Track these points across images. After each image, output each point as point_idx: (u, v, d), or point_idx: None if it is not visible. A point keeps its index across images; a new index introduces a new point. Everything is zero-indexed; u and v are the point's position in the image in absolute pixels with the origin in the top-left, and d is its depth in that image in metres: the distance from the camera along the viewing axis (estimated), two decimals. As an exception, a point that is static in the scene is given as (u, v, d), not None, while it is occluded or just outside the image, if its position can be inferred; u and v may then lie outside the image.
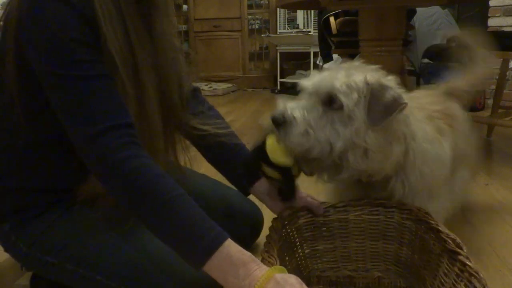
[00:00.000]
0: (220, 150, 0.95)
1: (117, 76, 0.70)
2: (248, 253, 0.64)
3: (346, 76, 0.75)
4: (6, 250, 0.86)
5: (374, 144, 0.73)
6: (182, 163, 0.95)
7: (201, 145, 0.96)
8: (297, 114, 0.73)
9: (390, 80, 0.78)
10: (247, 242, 1.09)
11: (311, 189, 1.53)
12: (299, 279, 0.61)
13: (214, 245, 0.63)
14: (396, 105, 0.72)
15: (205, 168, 1.04)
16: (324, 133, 0.73)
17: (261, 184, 0.91)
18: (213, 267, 0.63)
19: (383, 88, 0.74)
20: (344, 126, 0.73)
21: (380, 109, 0.72)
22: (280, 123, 0.73)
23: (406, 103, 0.73)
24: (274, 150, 0.76)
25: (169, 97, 0.85)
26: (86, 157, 0.69)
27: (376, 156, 0.75)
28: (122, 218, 0.78)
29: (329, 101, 0.74)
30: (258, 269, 0.61)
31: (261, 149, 0.78)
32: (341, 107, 0.73)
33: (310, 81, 0.78)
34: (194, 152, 0.98)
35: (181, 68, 0.89)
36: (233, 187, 1.02)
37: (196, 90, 1.01)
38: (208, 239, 0.63)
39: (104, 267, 0.77)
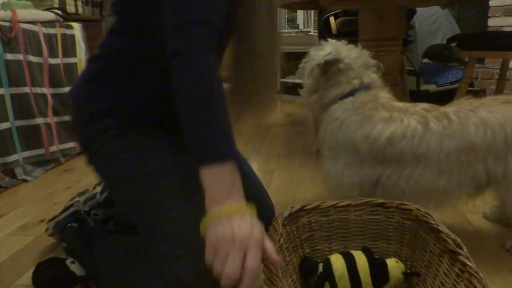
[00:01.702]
0: None
1: None
2: (240, 185, 0.64)
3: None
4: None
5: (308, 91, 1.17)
6: None
7: None
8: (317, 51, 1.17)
9: (366, 73, 1.11)
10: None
11: (311, 190, 1.53)
12: (258, 231, 0.59)
13: (224, 158, 0.63)
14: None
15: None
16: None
17: None
18: (210, 173, 0.62)
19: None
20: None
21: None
22: None
23: (335, 59, 1.08)
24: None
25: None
26: (168, 46, 0.69)
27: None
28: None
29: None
30: (238, 199, 0.62)
31: None
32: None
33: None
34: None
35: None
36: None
37: None
38: (224, 151, 0.63)
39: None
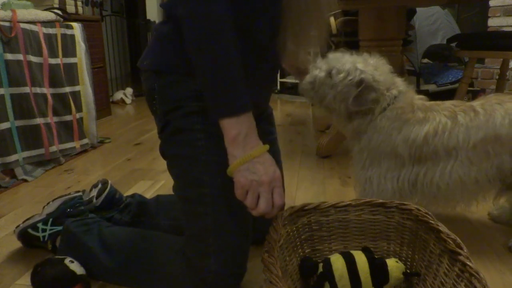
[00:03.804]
0: None
1: None
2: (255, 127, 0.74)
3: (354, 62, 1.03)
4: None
5: (337, 110, 1.09)
6: None
7: None
8: (319, 65, 1.08)
9: (393, 80, 1.05)
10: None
11: (311, 190, 1.53)
12: (277, 171, 0.73)
13: (243, 110, 0.71)
14: (367, 104, 1.02)
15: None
16: (323, 90, 1.07)
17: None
18: (231, 123, 0.71)
19: (368, 89, 1.01)
20: (330, 91, 1.06)
21: (359, 100, 1.02)
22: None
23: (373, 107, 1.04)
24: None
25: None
26: None
27: (336, 118, 1.12)
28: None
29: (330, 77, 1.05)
30: (255, 140, 0.72)
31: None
32: (337, 80, 1.04)
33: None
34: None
35: None
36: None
37: None
38: (241, 102, 0.71)
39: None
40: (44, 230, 1.07)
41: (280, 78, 4.50)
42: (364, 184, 1.09)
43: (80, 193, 1.14)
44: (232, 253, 0.82)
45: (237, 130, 0.71)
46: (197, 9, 0.68)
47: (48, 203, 1.12)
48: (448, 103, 1.06)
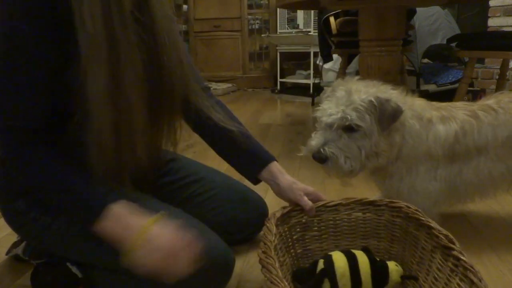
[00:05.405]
0: (229, 144, 0.96)
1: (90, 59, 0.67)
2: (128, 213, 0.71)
3: (352, 102, 0.91)
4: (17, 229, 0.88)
5: (384, 147, 0.96)
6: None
7: (208, 135, 0.98)
8: (334, 149, 0.92)
9: (387, 92, 0.96)
10: (257, 228, 1.08)
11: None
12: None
13: (99, 214, 0.69)
14: (397, 114, 0.92)
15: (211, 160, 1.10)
16: (355, 152, 0.93)
17: (268, 171, 0.95)
18: (101, 228, 0.69)
19: (384, 102, 0.91)
20: (365, 140, 0.93)
21: (386, 119, 0.92)
22: (324, 160, 0.92)
23: (403, 110, 0.92)
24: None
25: (167, 84, 0.81)
26: None
27: (385, 154, 0.97)
28: None
29: (350, 128, 0.92)
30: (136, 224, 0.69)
31: None
32: (359, 128, 0.91)
33: (327, 116, 0.93)
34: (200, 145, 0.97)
35: (183, 54, 0.85)
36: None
37: (206, 87, 1.01)
38: (95, 203, 0.70)
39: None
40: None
41: (280, 78, 4.51)
42: (410, 196, 1.02)
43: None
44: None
45: (108, 229, 0.69)
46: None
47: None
48: (459, 103, 1.08)
